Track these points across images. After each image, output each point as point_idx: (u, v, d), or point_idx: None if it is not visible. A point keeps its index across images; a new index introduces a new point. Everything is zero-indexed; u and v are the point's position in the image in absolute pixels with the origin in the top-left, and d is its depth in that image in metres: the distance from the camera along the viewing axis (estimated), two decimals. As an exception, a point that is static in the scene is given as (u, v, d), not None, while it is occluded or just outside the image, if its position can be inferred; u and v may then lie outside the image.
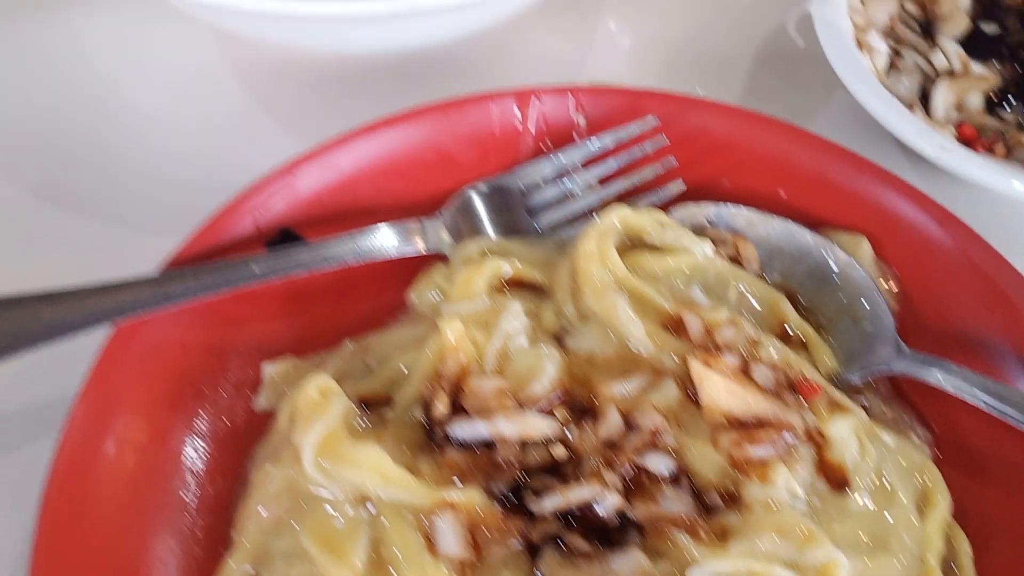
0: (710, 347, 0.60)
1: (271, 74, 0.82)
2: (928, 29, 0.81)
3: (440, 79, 0.83)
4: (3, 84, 0.83)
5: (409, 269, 0.68)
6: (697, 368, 0.58)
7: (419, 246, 0.66)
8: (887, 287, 0.67)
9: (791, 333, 0.65)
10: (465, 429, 0.55)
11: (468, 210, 0.69)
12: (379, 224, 0.65)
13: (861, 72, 0.74)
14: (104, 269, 0.70)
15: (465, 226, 0.68)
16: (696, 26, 0.90)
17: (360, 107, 0.79)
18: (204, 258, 0.63)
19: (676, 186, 0.70)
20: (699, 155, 0.72)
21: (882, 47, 0.78)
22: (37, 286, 0.68)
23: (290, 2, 0.63)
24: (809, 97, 0.85)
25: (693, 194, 0.71)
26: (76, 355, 0.57)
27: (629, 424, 0.56)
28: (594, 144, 0.71)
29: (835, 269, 0.67)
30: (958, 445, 0.63)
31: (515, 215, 0.70)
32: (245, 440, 0.60)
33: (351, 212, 0.68)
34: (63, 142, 0.79)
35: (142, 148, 0.78)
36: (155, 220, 0.74)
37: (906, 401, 0.65)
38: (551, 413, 0.57)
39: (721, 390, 0.57)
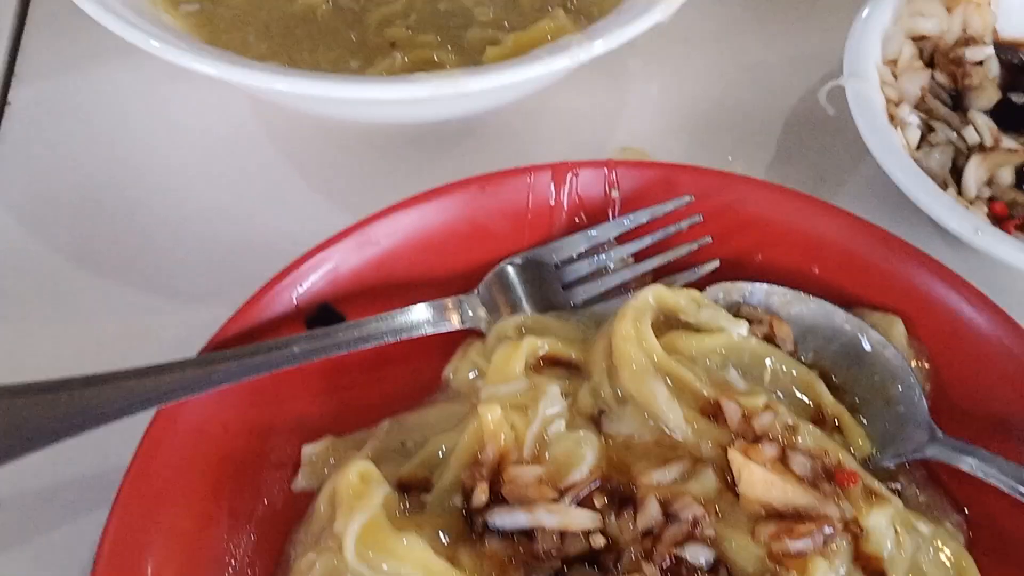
0: (748, 435, 0.60)
1: (305, 138, 0.82)
2: (959, 101, 0.82)
3: (473, 143, 0.84)
4: (39, 142, 0.84)
5: (445, 344, 0.68)
6: (737, 459, 0.58)
7: (455, 323, 0.67)
8: (920, 367, 0.68)
9: (826, 415, 0.65)
10: (505, 519, 0.56)
11: (504, 284, 0.69)
12: (416, 304, 0.66)
13: (894, 149, 0.74)
14: (143, 335, 0.72)
15: (501, 300, 0.69)
16: (725, 91, 0.91)
17: (393, 171, 0.80)
18: (244, 335, 0.63)
19: (711, 265, 0.70)
20: (733, 230, 0.72)
21: (914, 120, 0.78)
22: (76, 353, 0.70)
23: (328, 83, 0.64)
24: (838, 164, 0.86)
25: (727, 267, 0.71)
26: (118, 429, 0.58)
27: (668, 514, 0.57)
28: (629, 220, 0.72)
29: (868, 349, 0.67)
30: (992, 530, 0.63)
31: (550, 289, 0.70)
32: (284, 521, 0.61)
33: (388, 286, 0.69)
34: (99, 203, 0.80)
35: (177, 210, 0.79)
36: (192, 285, 0.75)
37: (939, 483, 0.65)
38: (590, 500, 0.58)
39: (760, 481, 0.58)
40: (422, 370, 0.67)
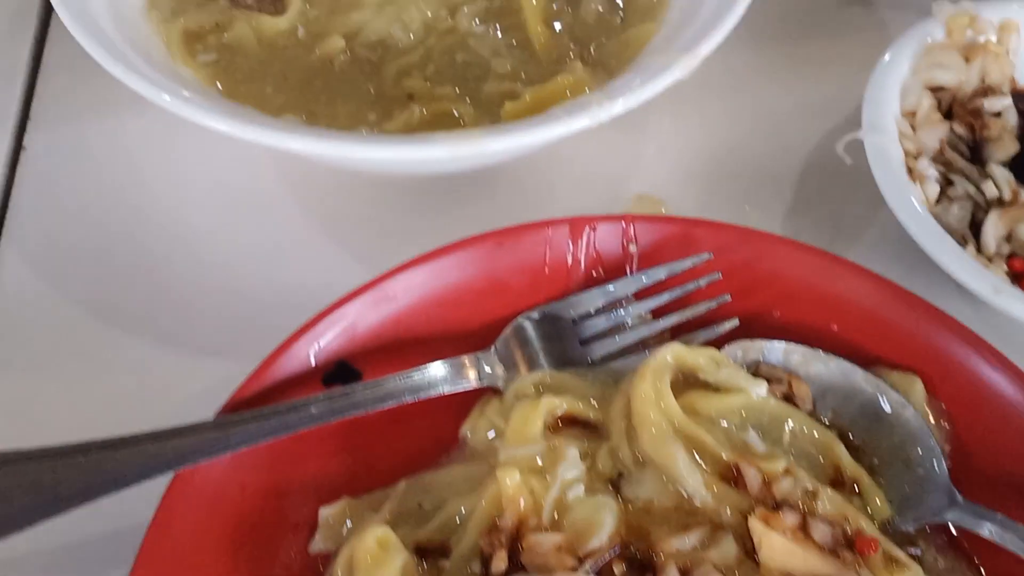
0: (768, 501, 0.60)
1: (322, 188, 0.83)
2: (978, 152, 0.82)
3: (488, 190, 0.84)
4: (54, 189, 0.84)
5: (463, 401, 0.68)
6: (757, 528, 0.58)
7: (472, 381, 0.67)
8: (940, 428, 0.68)
9: (845, 477, 0.65)
10: (525, 587, 0.56)
11: (521, 339, 0.69)
12: (433, 361, 0.66)
13: (913, 206, 0.74)
14: (159, 390, 0.72)
15: (518, 355, 0.69)
16: (740, 138, 0.91)
17: (408, 221, 0.80)
18: (262, 394, 0.63)
19: (730, 323, 0.70)
20: (751, 286, 0.72)
21: (932, 174, 0.78)
22: (92, 408, 0.70)
23: (346, 144, 0.64)
24: (855, 215, 0.86)
25: (744, 322, 0.71)
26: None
27: (688, 582, 0.57)
28: (647, 277, 0.72)
29: (888, 410, 0.67)
30: (1012, 596, 0.63)
31: (567, 345, 0.70)
32: (302, 584, 0.60)
33: (405, 342, 0.69)
34: (114, 253, 0.80)
35: (192, 261, 0.79)
36: (208, 338, 0.75)
37: (959, 547, 0.65)
38: (610, 568, 0.58)
39: (781, 550, 0.58)
40: (439, 427, 0.67)
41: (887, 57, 0.83)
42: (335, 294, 0.66)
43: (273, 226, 0.81)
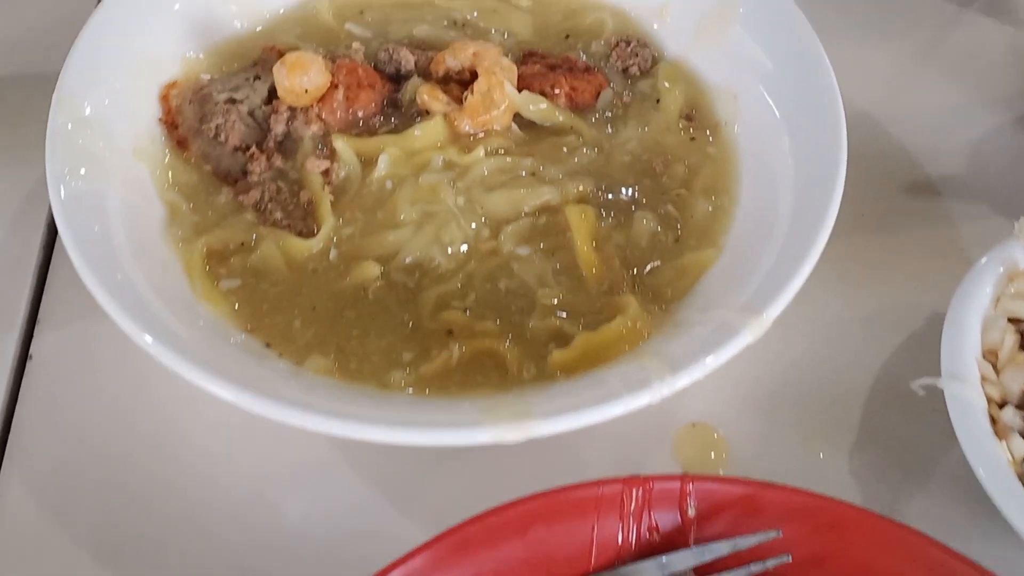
0: None
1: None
2: (1063, 398, 0.76)
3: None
4: (61, 406, 0.79)
5: None
6: None
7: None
8: None
9: None
10: None
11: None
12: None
13: (998, 468, 0.69)
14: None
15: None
16: (800, 356, 0.86)
17: (434, 480, 0.75)
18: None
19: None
20: (821, 557, 0.66)
21: (1017, 423, 0.73)
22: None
23: (379, 429, 0.59)
24: (926, 450, 0.80)
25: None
26: None
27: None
28: (708, 552, 0.66)
29: None
30: None
31: (618, 624, 0.65)
32: None
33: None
34: (124, 486, 0.75)
35: (204, 498, 0.74)
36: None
37: None
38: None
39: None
40: None
41: (965, 287, 0.78)
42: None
43: (287, 454, 0.75)
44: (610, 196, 0.81)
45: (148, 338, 0.63)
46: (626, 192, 0.81)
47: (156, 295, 0.68)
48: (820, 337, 0.88)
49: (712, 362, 0.63)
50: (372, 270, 0.75)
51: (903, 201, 0.97)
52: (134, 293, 0.67)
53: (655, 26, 0.92)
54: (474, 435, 0.59)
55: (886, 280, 0.91)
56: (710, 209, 0.80)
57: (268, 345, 0.72)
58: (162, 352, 0.63)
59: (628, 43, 0.91)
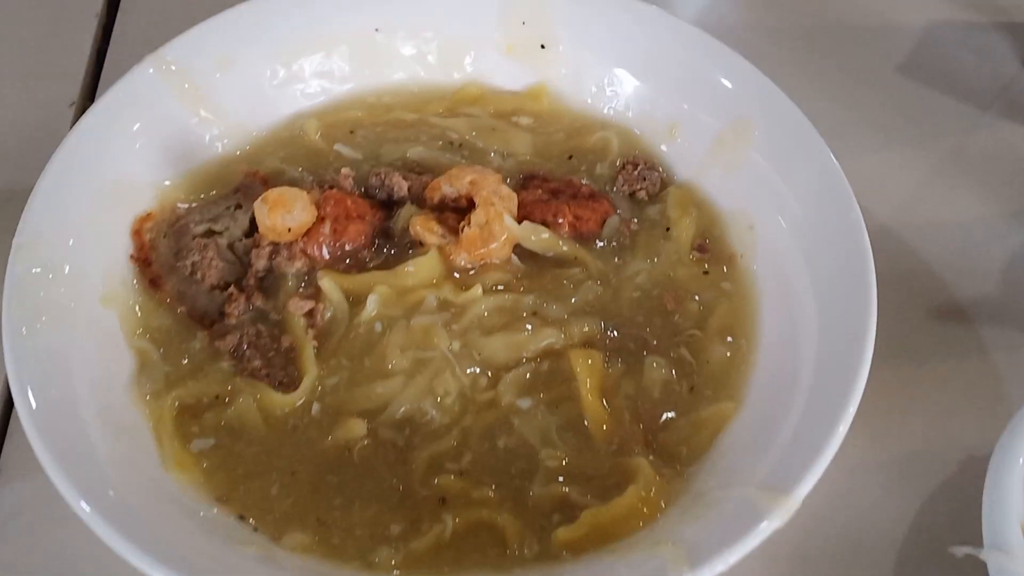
0: None
1: None
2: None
3: None
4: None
5: None
6: None
7: None
8: None
9: None
10: None
11: None
12: None
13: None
14: None
15: None
16: (828, 505, 0.79)
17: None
18: None
19: None
20: None
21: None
22: None
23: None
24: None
25: None
26: None
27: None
28: None
29: None
30: None
31: None
32: None
33: None
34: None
35: None
36: None
37: None
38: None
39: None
40: None
41: (1005, 442, 0.72)
42: None
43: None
44: (617, 335, 0.76)
45: (110, 533, 0.57)
46: (635, 333, 0.75)
47: (118, 470, 0.63)
48: (846, 483, 0.81)
49: (735, 554, 0.56)
50: (358, 428, 0.69)
51: (931, 327, 0.91)
52: (93, 470, 0.61)
53: (664, 147, 0.87)
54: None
55: (915, 417, 0.85)
56: (728, 354, 0.74)
57: (243, 517, 0.66)
58: (118, 543, 0.56)
59: (635, 165, 0.85)
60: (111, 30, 1.07)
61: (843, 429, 0.64)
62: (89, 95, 1.01)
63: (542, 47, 0.89)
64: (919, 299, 0.92)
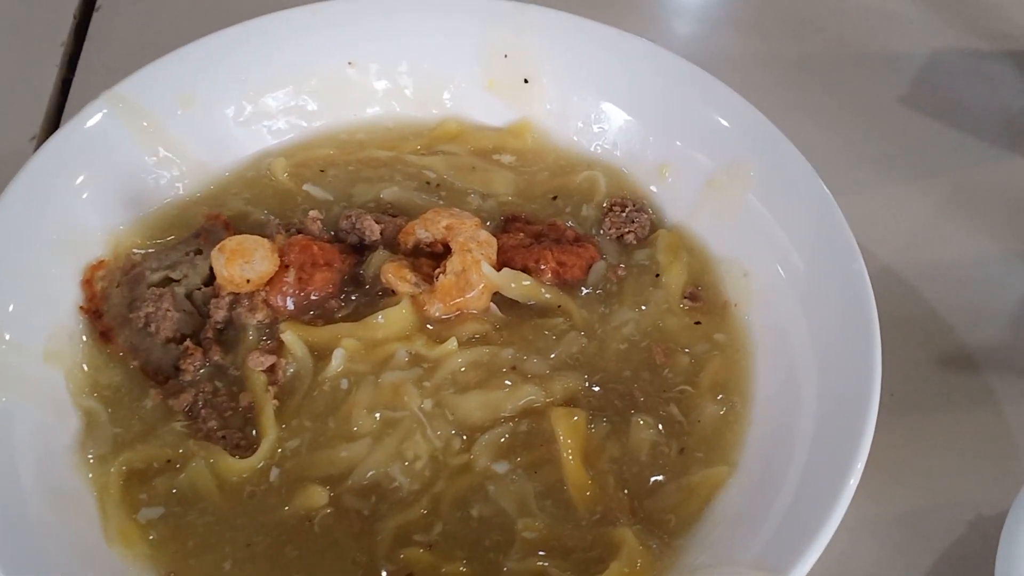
0: None
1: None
2: None
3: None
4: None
5: None
6: None
7: None
8: None
9: None
10: None
11: None
12: None
13: None
14: None
15: None
16: (835, 565, 0.74)
17: None
18: None
19: None
20: None
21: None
22: None
23: None
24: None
25: None
26: None
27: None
28: None
29: None
30: None
31: None
32: None
33: None
34: None
35: None
36: None
37: None
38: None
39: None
40: None
41: (1018, 510, 0.67)
42: None
43: None
44: (601, 391, 0.71)
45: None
46: (622, 389, 0.71)
47: (56, 542, 0.58)
48: (850, 543, 0.77)
49: (728, 649, 0.51)
50: (320, 496, 0.65)
51: (937, 376, 0.86)
52: (28, 543, 0.57)
53: (654, 188, 0.83)
54: None
55: (922, 473, 0.81)
56: (720, 412, 0.70)
57: (191, 597, 0.61)
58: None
59: (623, 207, 0.81)
60: (77, 59, 1.03)
61: (844, 503, 0.59)
62: (52, 128, 0.97)
63: (525, 81, 0.85)
64: (924, 346, 0.88)
